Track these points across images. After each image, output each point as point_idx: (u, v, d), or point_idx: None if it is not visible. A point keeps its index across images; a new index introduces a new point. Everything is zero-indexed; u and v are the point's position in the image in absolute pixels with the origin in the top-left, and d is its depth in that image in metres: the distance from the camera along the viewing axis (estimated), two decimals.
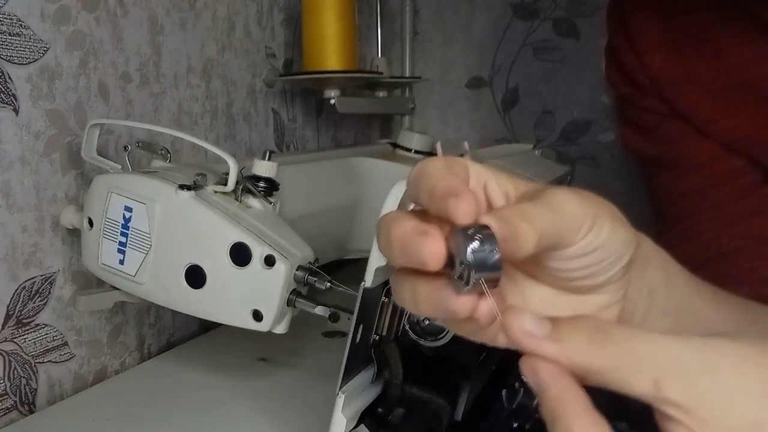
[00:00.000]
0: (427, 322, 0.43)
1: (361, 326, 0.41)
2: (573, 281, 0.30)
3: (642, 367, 0.23)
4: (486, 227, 0.25)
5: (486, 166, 0.30)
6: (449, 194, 0.25)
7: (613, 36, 0.69)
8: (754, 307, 0.40)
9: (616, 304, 0.32)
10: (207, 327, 0.75)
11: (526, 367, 0.25)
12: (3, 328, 0.54)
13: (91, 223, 0.53)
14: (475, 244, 0.24)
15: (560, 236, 0.28)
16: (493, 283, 0.25)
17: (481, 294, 0.25)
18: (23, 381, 0.56)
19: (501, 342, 0.29)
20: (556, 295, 0.31)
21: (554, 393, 0.24)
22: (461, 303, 0.25)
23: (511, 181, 0.30)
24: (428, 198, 0.26)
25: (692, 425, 0.23)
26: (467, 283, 0.25)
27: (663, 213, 0.70)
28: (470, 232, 0.25)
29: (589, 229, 0.28)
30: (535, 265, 0.30)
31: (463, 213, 0.25)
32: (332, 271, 0.51)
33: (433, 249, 0.25)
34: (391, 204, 0.38)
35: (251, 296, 0.48)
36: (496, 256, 0.24)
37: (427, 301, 0.27)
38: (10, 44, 0.53)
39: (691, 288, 0.37)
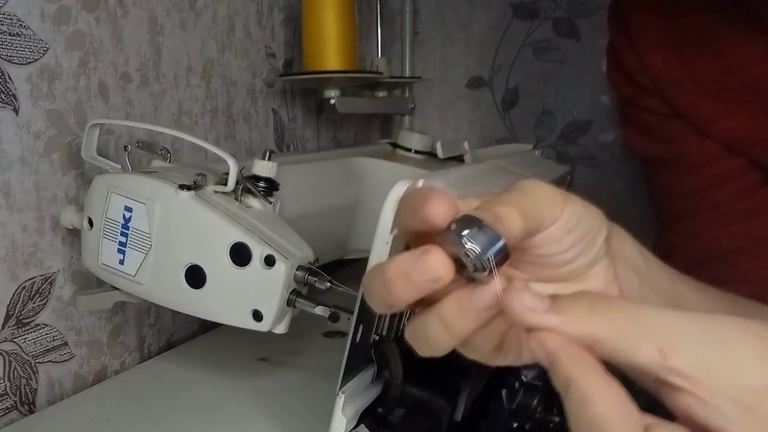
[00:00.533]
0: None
1: (361, 326, 0.41)
2: (566, 265, 0.31)
3: (647, 335, 0.23)
4: (467, 216, 0.25)
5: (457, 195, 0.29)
6: (423, 200, 0.26)
7: (614, 36, 0.69)
8: (734, 298, 0.41)
9: (612, 284, 0.33)
10: (207, 327, 0.75)
11: (533, 341, 0.24)
12: (3, 328, 0.54)
13: (91, 223, 0.53)
14: (466, 231, 0.25)
15: (541, 215, 0.28)
16: (505, 257, 0.25)
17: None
18: (23, 381, 0.56)
19: (525, 358, 0.29)
20: (553, 289, 0.31)
21: (564, 358, 0.24)
22: (492, 290, 0.25)
23: (479, 198, 0.30)
24: (411, 217, 0.26)
25: (699, 393, 0.23)
26: (484, 268, 0.25)
27: (663, 213, 0.70)
28: (454, 226, 0.25)
29: (564, 203, 0.29)
30: (527, 263, 0.31)
31: (437, 211, 0.25)
32: (332, 271, 0.51)
33: (440, 260, 0.25)
34: (391, 204, 0.38)
35: (251, 296, 0.48)
36: (491, 231, 0.25)
37: (459, 316, 0.26)
38: (10, 44, 0.53)
39: (669, 271, 0.37)
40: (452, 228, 0.25)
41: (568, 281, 0.32)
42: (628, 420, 0.22)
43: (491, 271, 0.25)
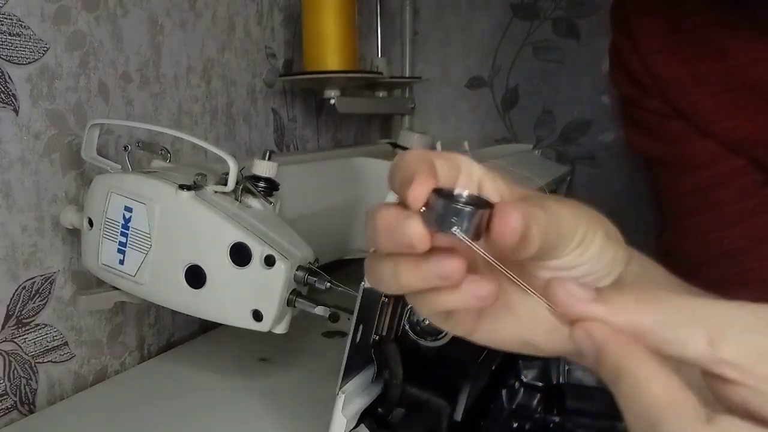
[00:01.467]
0: (427, 322, 0.43)
1: (361, 326, 0.41)
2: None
3: (696, 325, 0.23)
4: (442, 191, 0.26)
5: (485, 168, 0.30)
6: (406, 182, 0.26)
7: (616, 37, 0.69)
8: None
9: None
10: (207, 327, 0.75)
11: (579, 333, 0.24)
12: (3, 328, 0.54)
13: (91, 223, 0.53)
14: (441, 205, 0.25)
15: (555, 243, 0.28)
16: (477, 233, 0.26)
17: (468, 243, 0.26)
18: (23, 381, 0.56)
19: (480, 337, 0.30)
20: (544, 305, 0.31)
21: (614, 348, 0.23)
22: (446, 265, 0.26)
23: (507, 185, 0.30)
24: (399, 189, 0.27)
25: (753, 383, 0.22)
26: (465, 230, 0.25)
27: (664, 212, 0.70)
28: (434, 199, 0.26)
29: (578, 243, 0.29)
30: (521, 274, 0.30)
31: (414, 196, 0.25)
32: (332, 271, 0.51)
33: (416, 231, 0.25)
34: None
35: (251, 296, 0.48)
36: (468, 209, 0.25)
37: (410, 271, 0.27)
38: (10, 44, 0.53)
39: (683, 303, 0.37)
40: (431, 202, 0.26)
41: None
42: (685, 406, 0.22)
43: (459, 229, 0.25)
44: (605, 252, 0.30)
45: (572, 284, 0.24)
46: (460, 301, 0.27)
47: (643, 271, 0.34)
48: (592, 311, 0.24)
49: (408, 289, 0.28)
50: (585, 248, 0.29)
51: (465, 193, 0.26)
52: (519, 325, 0.31)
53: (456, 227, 0.25)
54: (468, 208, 0.25)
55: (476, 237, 0.26)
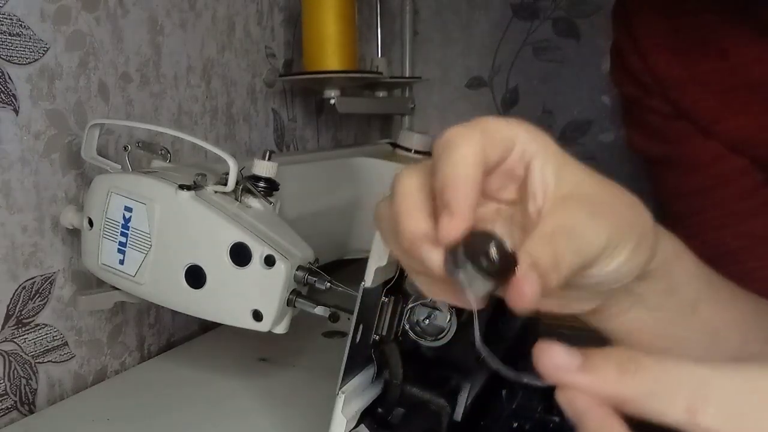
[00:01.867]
0: (427, 322, 0.43)
1: (361, 326, 0.41)
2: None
3: (675, 394, 0.23)
4: (490, 240, 0.26)
5: (540, 141, 0.30)
6: (448, 192, 0.27)
7: (618, 36, 0.69)
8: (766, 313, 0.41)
9: (596, 300, 0.35)
10: (207, 327, 0.75)
11: (562, 398, 0.25)
12: (3, 328, 0.54)
13: (91, 223, 0.53)
14: (457, 268, 0.26)
15: (581, 264, 0.29)
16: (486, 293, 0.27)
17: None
18: (23, 381, 0.56)
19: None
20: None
21: (593, 423, 0.24)
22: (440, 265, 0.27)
23: (556, 174, 0.30)
24: (439, 191, 0.28)
25: None
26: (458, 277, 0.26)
27: (666, 212, 0.70)
28: (460, 246, 0.26)
29: (602, 259, 0.30)
30: None
31: (447, 234, 0.27)
32: (332, 271, 0.51)
33: (436, 263, 0.27)
34: None
35: (251, 296, 0.48)
36: (486, 284, 0.26)
37: (410, 248, 0.28)
38: (10, 44, 0.53)
39: (702, 290, 0.38)
40: (458, 250, 0.26)
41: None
42: None
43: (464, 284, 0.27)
44: (626, 264, 0.31)
45: (558, 351, 0.25)
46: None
47: (665, 262, 0.35)
48: (576, 382, 0.24)
49: (403, 258, 0.30)
50: (607, 264, 0.30)
51: (492, 251, 0.26)
52: None
53: (468, 288, 0.26)
54: (484, 284, 0.26)
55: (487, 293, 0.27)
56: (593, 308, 0.36)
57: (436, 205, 0.28)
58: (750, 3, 0.57)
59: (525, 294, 0.26)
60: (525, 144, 0.30)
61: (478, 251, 0.26)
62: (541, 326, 0.68)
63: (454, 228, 0.27)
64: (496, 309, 0.48)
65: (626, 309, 0.37)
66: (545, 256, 0.27)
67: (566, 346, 0.25)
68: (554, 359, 0.25)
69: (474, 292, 0.26)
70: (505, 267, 0.26)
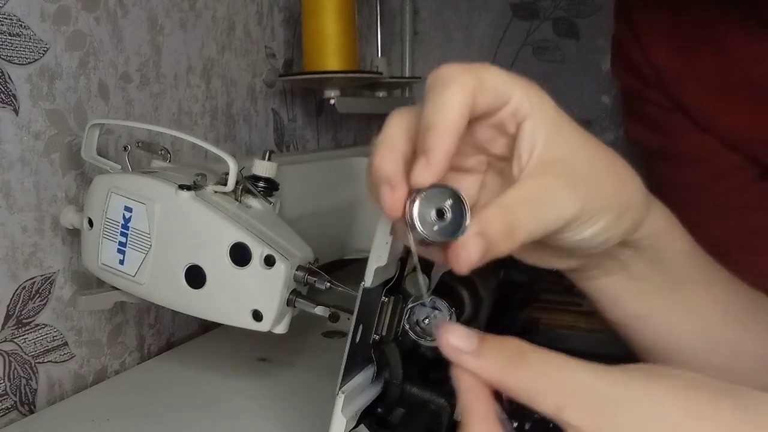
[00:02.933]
0: (427, 322, 0.43)
1: (361, 326, 0.41)
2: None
3: (548, 393, 0.26)
4: (444, 190, 0.28)
5: (536, 103, 0.31)
6: (422, 151, 0.28)
7: (619, 28, 0.69)
8: (754, 304, 0.42)
9: (579, 260, 0.36)
10: (207, 327, 0.75)
11: (453, 373, 0.28)
12: (3, 328, 0.54)
13: (91, 223, 0.53)
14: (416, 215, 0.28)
15: (544, 232, 0.30)
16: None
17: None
18: (23, 381, 0.56)
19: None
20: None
21: (466, 402, 0.27)
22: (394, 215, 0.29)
23: (546, 139, 0.31)
24: (422, 128, 0.29)
25: None
26: (412, 228, 0.28)
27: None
28: (422, 196, 0.28)
29: (575, 227, 0.31)
30: None
31: (419, 181, 0.28)
32: (332, 271, 0.51)
33: (391, 204, 0.28)
34: None
35: (251, 296, 0.48)
36: (430, 238, 0.28)
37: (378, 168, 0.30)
38: (10, 44, 0.53)
39: (689, 268, 0.39)
40: (420, 196, 0.28)
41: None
42: None
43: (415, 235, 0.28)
44: (604, 233, 0.32)
45: (457, 333, 0.28)
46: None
47: (658, 233, 0.37)
48: (465, 363, 0.27)
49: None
50: (582, 231, 0.31)
51: (446, 209, 0.28)
52: None
53: (414, 236, 0.28)
54: (429, 237, 0.28)
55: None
56: (574, 267, 0.37)
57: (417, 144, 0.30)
58: (751, 0, 0.58)
59: (460, 259, 0.28)
60: (519, 103, 0.31)
61: (433, 205, 0.28)
62: (541, 326, 0.68)
63: (427, 175, 0.28)
64: (497, 309, 0.48)
65: (609, 272, 0.38)
66: (498, 225, 0.28)
67: (468, 329, 0.28)
68: (452, 339, 0.27)
69: (419, 241, 0.28)
70: (452, 229, 0.28)
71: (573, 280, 0.40)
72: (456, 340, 0.27)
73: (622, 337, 0.43)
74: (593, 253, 0.34)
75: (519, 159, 0.31)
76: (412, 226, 0.28)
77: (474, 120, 0.30)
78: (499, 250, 0.28)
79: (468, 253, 0.27)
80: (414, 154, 0.29)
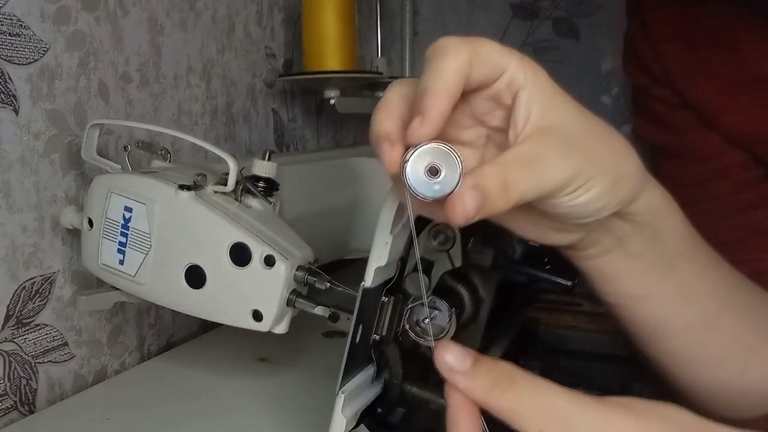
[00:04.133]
0: (427, 322, 0.43)
1: (360, 326, 0.41)
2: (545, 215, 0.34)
3: (532, 419, 0.27)
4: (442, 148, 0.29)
5: (530, 74, 0.32)
6: (418, 112, 0.29)
7: (630, 25, 0.69)
8: (747, 292, 0.42)
9: (577, 234, 0.36)
10: (207, 327, 0.75)
11: (445, 389, 0.29)
12: (3, 328, 0.54)
13: (91, 223, 0.53)
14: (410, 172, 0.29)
15: (540, 194, 0.31)
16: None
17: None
18: (23, 381, 0.56)
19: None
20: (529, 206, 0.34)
21: (454, 418, 0.29)
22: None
23: (541, 108, 0.32)
24: (418, 94, 0.30)
25: None
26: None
27: None
28: (413, 155, 0.29)
29: (569, 192, 0.32)
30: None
31: (416, 137, 0.29)
32: (332, 271, 0.51)
33: (389, 160, 0.29)
34: (390, 205, 0.38)
35: (251, 296, 0.48)
36: (428, 192, 0.29)
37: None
38: (10, 44, 0.53)
39: (684, 250, 0.40)
40: (409, 157, 0.29)
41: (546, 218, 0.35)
42: None
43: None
44: (599, 200, 0.33)
45: (452, 353, 0.29)
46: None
47: (653, 208, 0.37)
48: (458, 383, 0.29)
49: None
50: (576, 196, 0.32)
51: (443, 165, 0.29)
52: (508, 217, 0.36)
53: (409, 191, 0.29)
54: (426, 191, 0.29)
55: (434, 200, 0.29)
56: (573, 243, 0.37)
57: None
58: None
59: (456, 210, 0.28)
60: (514, 73, 0.32)
61: (429, 161, 0.29)
62: (541, 326, 0.68)
63: (423, 131, 0.29)
64: (497, 309, 0.48)
65: (606, 249, 0.38)
66: (493, 180, 0.29)
67: (463, 350, 0.29)
68: (447, 358, 0.29)
69: (417, 198, 0.29)
70: (447, 183, 0.29)
71: (571, 260, 0.40)
72: (451, 359, 0.29)
73: (619, 321, 0.44)
74: (591, 223, 0.35)
75: (515, 126, 0.32)
76: (408, 182, 0.29)
77: (471, 92, 0.32)
78: (494, 205, 0.29)
79: (464, 205, 0.28)
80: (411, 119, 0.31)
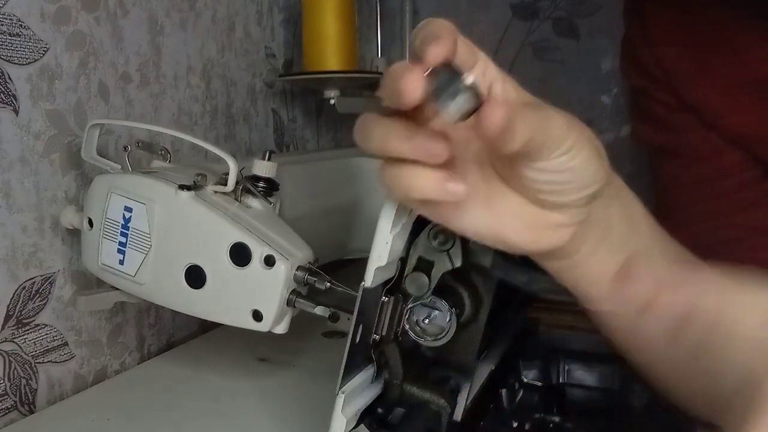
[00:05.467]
0: (427, 322, 0.43)
1: (360, 326, 0.41)
2: (539, 194, 0.34)
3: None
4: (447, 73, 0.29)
5: (500, 72, 0.34)
6: (432, 39, 0.30)
7: (629, 27, 0.69)
8: (707, 276, 0.43)
9: (571, 227, 0.36)
10: (207, 327, 0.75)
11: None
12: (3, 328, 0.54)
13: (91, 223, 0.53)
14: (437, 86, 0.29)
15: (542, 145, 0.32)
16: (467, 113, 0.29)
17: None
18: (23, 381, 0.56)
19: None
20: (523, 204, 0.35)
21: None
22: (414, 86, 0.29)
23: (516, 90, 0.35)
24: (419, 45, 0.30)
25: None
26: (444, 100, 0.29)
27: (663, 203, 0.70)
28: (441, 68, 0.29)
29: (566, 150, 0.33)
30: (509, 170, 0.34)
31: (433, 54, 0.29)
32: (332, 271, 0.51)
33: (414, 82, 0.28)
34: (390, 205, 0.38)
35: (251, 296, 0.48)
36: (464, 103, 0.28)
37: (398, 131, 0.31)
38: (10, 44, 0.53)
39: (654, 238, 0.42)
40: (439, 71, 0.29)
41: (536, 204, 0.35)
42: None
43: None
44: (590, 165, 0.34)
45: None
46: (433, 192, 0.31)
47: (624, 196, 0.40)
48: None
49: (392, 152, 0.31)
50: (572, 156, 0.33)
51: (470, 79, 0.28)
52: (495, 219, 0.35)
53: (449, 101, 0.28)
54: (465, 91, 0.28)
55: (461, 119, 0.29)
56: (565, 243, 0.37)
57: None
58: (762, 1, 0.58)
59: (496, 113, 0.28)
60: (487, 64, 0.34)
61: (457, 70, 0.29)
62: (541, 326, 0.68)
63: (441, 51, 0.29)
64: (497, 309, 0.48)
65: (594, 248, 0.39)
66: (513, 107, 0.30)
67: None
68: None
69: (450, 114, 0.28)
70: (478, 91, 0.28)
71: (562, 275, 0.40)
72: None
73: (613, 331, 0.44)
74: (581, 208, 0.35)
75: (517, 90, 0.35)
76: (436, 99, 0.28)
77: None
78: (515, 128, 0.29)
79: (495, 113, 0.28)
80: (412, 115, 0.31)
